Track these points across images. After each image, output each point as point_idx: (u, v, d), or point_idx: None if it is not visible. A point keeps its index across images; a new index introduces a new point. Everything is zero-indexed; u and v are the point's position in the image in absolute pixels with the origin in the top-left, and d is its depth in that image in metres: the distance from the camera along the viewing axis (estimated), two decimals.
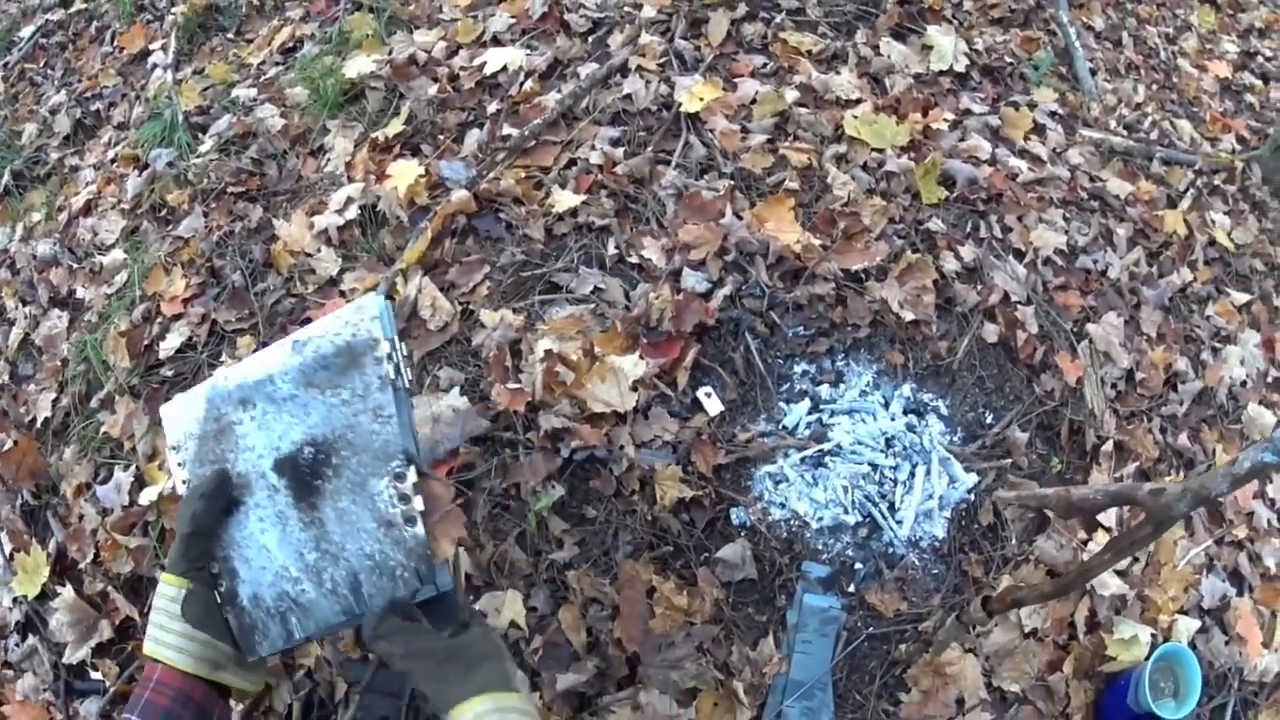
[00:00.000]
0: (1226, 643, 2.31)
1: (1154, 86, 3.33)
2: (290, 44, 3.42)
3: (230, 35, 3.68)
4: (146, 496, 2.36)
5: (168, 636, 1.24)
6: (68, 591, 2.31)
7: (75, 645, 2.26)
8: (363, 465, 1.32)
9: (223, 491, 1.32)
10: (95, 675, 2.26)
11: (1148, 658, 2.07)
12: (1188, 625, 2.25)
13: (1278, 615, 2.44)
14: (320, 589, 1.34)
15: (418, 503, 1.31)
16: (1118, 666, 2.14)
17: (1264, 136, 3.35)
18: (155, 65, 3.74)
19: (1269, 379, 2.80)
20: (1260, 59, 3.80)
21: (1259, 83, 3.67)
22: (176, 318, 2.72)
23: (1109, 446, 2.35)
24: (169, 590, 1.27)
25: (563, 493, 2.10)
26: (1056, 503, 1.75)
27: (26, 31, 4.43)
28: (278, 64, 3.36)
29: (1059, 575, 2.21)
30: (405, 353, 1.36)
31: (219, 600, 1.35)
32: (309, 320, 2.50)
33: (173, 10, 3.87)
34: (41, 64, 4.29)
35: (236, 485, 1.36)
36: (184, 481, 1.40)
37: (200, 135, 3.24)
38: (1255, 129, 3.41)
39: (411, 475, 1.31)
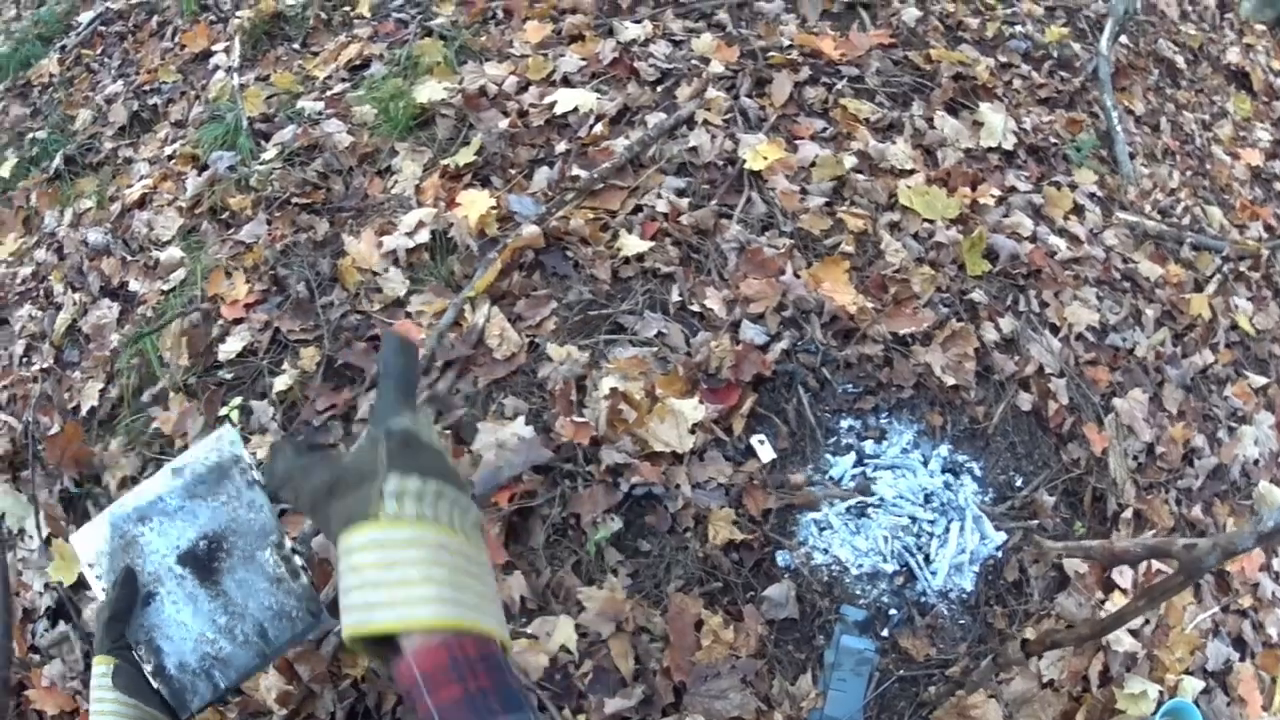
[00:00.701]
0: (1228, 704, 2.52)
1: (1188, 173, 3.56)
2: (358, 62, 3.59)
3: (296, 46, 3.85)
4: None
5: (105, 706, 1.46)
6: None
7: None
8: (248, 544, 1.71)
9: (130, 581, 1.64)
10: None
11: (1154, 712, 2.28)
12: (1192, 685, 2.45)
13: (1278, 681, 2.66)
14: (235, 643, 1.71)
15: (297, 560, 1.70)
16: None
17: None
18: (217, 67, 3.90)
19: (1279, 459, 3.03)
20: None
21: None
22: (237, 322, 2.86)
23: (1128, 514, 2.56)
24: (99, 669, 1.49)
25: (620, 525, 2.30)
26: (1101, 552, 1.98)
27: (86, 17, 4.60)
28: (344, 80, 3.54)
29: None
30: (256, 462, 1.75)
31: (148, 674, 1.67)
32: (375, 338, 2.69)
33: (238, 14, 4.05)
34: (99, 51, 4.44)
35: (148, 580, 1.71)
36: (103, 590, 1.73)
37: (263, 143, 3.40)
38: None
39: (288, 543, 1.71)
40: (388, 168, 3.16)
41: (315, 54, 3.78)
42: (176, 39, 4.19)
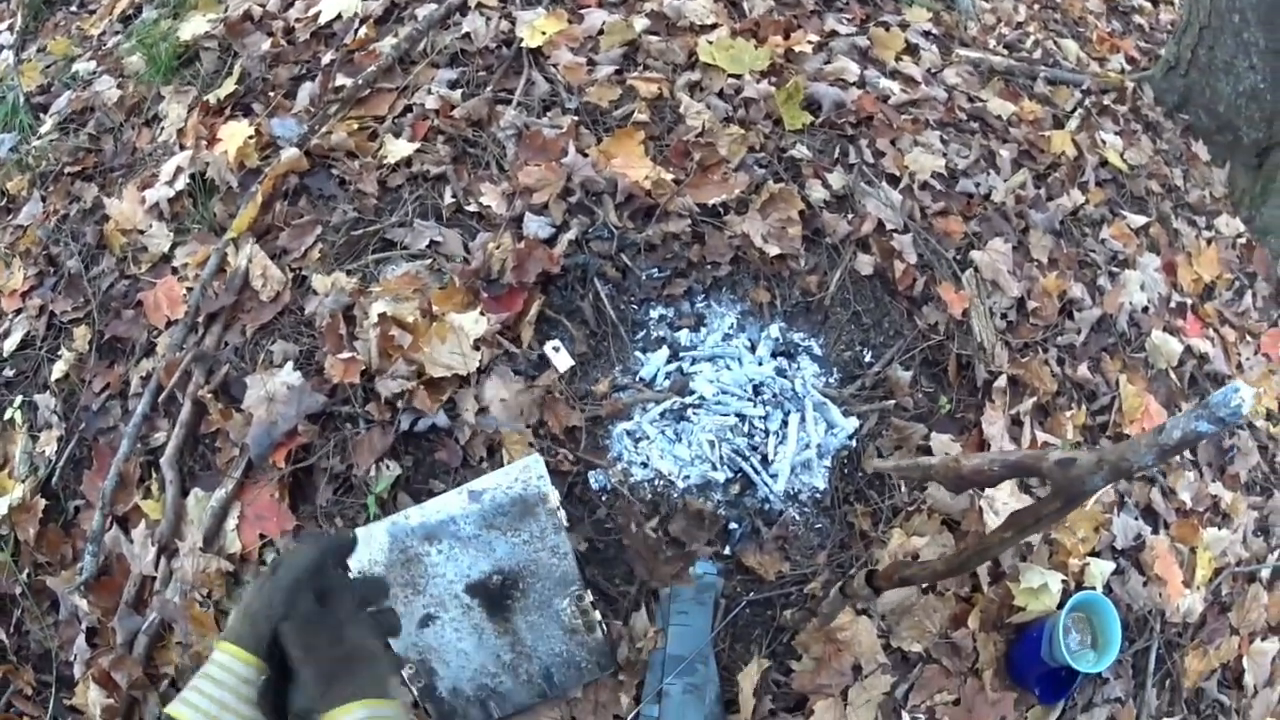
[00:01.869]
0: (1145, 584, 2.08)
1: (1035, 6, 3.05)
2: (130, 11, 3.07)
3: (74, 8, 3.31)
4: None
5: (230, 717, 1.03)
6: None
7: None
8: (546, 589, 1.64)
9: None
10: None
11: (1060, 606, 1.82)
12: (1101, 568, 2.01)
13: (1197, 552, 2.20)
14: (516, 680, 1.66)
15: (595, 615, 1.65)
16: (1028, 616, 1.89)
17: (1154, 57, 3.09)
18: (3, 47, 3.38)
19: (1172, 304, 2.55)
20: None
21: (1147, 4, 3.40)
22: (17, 313, 2.40)
23: (1002, 382, 2.07)
24: (244, 669, 1.05)
25: (399, 472, 1.80)
26: (944, 475, 1.44)
27: None
28: (117, 33, 3.01)
29: (955, 525, 1.94)
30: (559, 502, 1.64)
31: (416, 694, 1.63)
32: (140, 304, 2.21)
33: None
34: None
35: (430, 603, 1.63)
36: None
37: (42, 115, 2.90)
38: (1145, 49, 3.16)
39: (588, 596, 1.65)
40: (155, 116, 2.62)
41: (92, 12, 3.24)
42: None
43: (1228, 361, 2.56)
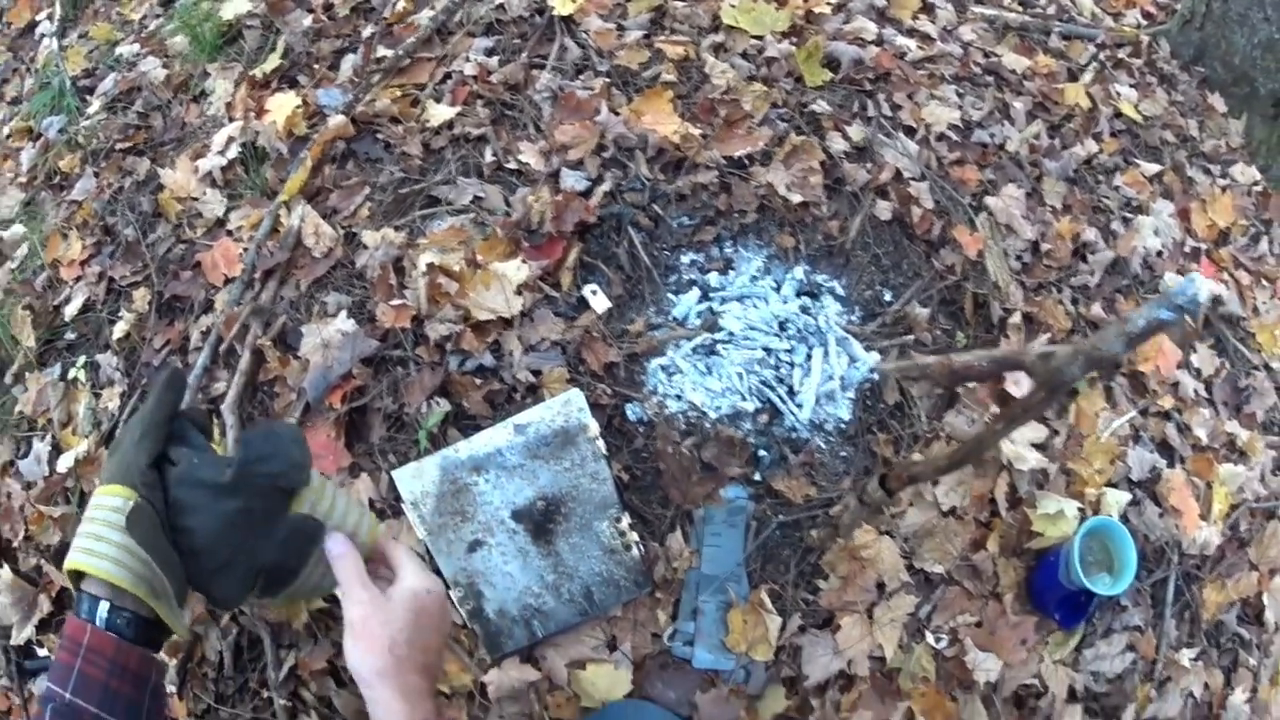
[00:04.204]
0: (1161, 515, 2.23)
1: None
2: None
3: None
4: (64, 463, 2.29)
5: (104, 549, 1.00)
6: (5, 571, 2.22)
7: (20, 625, 2.17)
8: (587, 513, 1.81)
9: (178, 385, 1.10)
10: (42, 652, 2.18)
11: (1076, 532, 2.00)
12: (1117, 498, 2.17)
13: (1214, 487, 2.36)
14: (559, 599, 1.81)
15: (632, 535, 1.82)
16: (1046, 542, 2.06)
17: (1170, 12, 3.26)
18: (43, 35, 3.63)
19: (1186, 248, 2.72)
20: None
21: None
22: (77, 280, 2.63)
23: (1017, 319, 2.26)
24: (109, 500, 1.02)
25: (448, 408, 2.02)
26: (939, 371, 1.65)
27: None
28: (158, 16, 3.25)
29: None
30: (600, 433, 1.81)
31: (464, 616, 1.79)
32: (198, 265, 2.42)
33: None
34: None
35: (478, 529, 1.79)
36: (426, 532, 1.78)
37: (88, 98, 3.14)
38: (1162, 4, 3.32)
39: (625, 518, 1.82)
40: (202, 91, 2.87)
41: None
42: (4, 18, 3.88)
43: (1243, 304, 2.71)
